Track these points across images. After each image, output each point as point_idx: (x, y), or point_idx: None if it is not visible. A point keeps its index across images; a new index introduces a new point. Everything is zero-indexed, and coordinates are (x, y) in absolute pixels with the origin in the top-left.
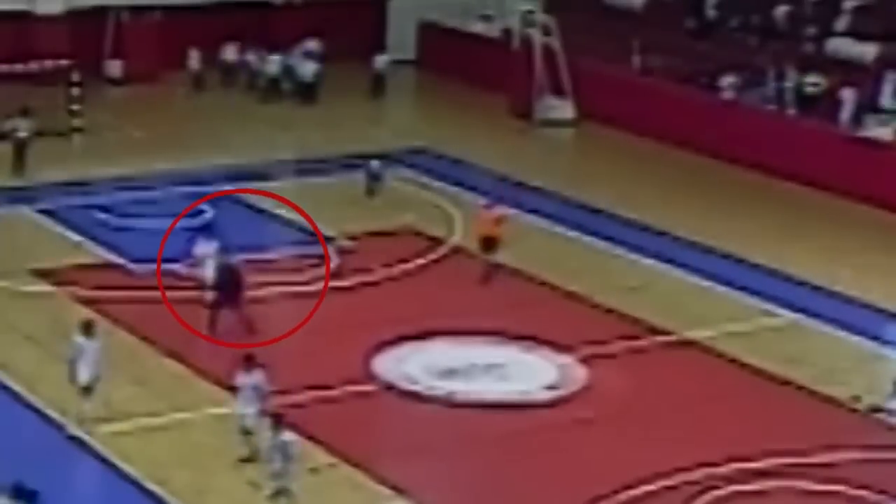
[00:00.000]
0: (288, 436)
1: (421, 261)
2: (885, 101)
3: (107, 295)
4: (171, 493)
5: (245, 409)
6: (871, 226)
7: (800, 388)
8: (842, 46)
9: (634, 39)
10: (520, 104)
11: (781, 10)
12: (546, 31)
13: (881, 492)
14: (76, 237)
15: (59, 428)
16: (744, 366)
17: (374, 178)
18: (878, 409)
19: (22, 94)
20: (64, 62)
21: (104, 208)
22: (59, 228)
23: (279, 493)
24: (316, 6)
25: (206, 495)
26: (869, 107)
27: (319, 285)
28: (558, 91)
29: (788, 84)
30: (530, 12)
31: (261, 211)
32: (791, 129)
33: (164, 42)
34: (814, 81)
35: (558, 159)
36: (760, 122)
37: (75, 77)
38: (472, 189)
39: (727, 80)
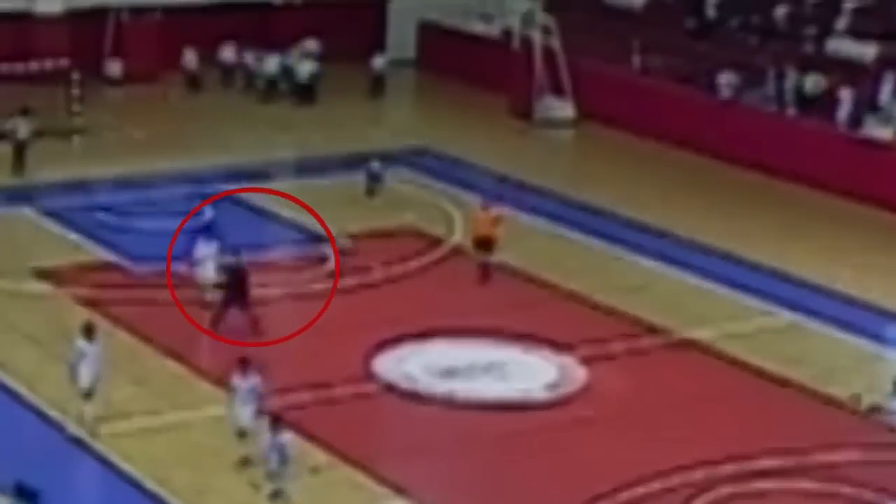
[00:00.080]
0: (286, 437)
1: (421, 261)
2: (884, 101)
3: (107, 295)
4: (171, 493)
5: (240, 411)
6: (871, 226)
7: (800, 388)
8: (842, 46)
9: (634, 39)
10: (520, 104)
11: (781, 10)
12: (546, 31)
13: (881, 492)
14: (76, 237)
15: (59, 428)
16: (744, 366)
17: (374, 178)
18: (878, 409)
19: (22, 94)
20: (64, 62)
21: (104, 208)
22: (59, 228)
23: (274, 494)
24: (316, 6)
25: (206, 495)
26: (868, 106)
27: (320, 285)
28: (558, 91)
29: (788, 84)
30: (530, 12)
31: (261, 211)
32: (791, 129)
33: (164, 42)
34: (814, 81)
35: (558, 159)
36: (760, 122)
37: (75, 77)
38: (472, 189)
39: (724, 79)
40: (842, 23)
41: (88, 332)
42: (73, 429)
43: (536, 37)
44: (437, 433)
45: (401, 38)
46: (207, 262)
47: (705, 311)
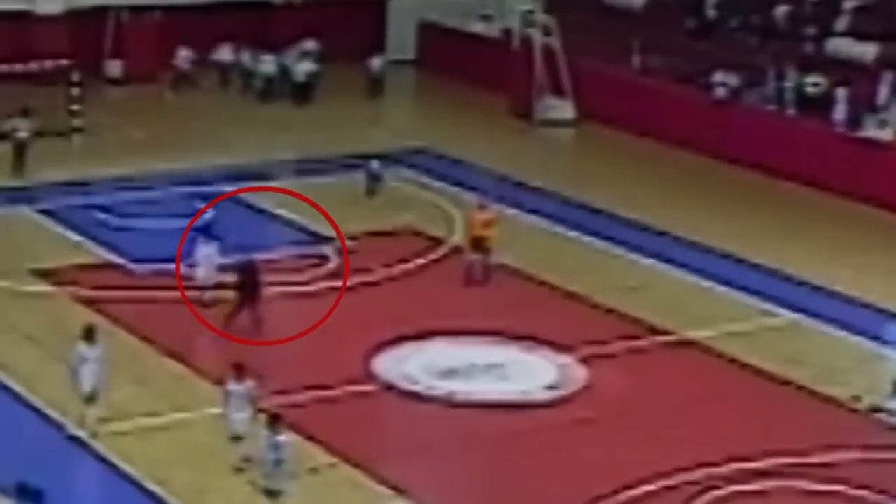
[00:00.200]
0: (283, 437)
1: (421, 261)
2: (882, 101)
3: (107, 295)
4: (171, 493)
5: (236, 416)
6: (871, 226)
7: (800, 388)
8: (842, 46)
9: (634, 39)
10: (520, 104)
11: (781, 10)
12: (546, 31)
13: (881, 492)
14: (76, 237)
15: (59, 428)
16: (744, 366)
17: (374, 178)
18: (878, 409)
19: (22, 94)
20: (64, 62)
21: (104, 208)
22: (59, 228)
23: (271, 493)
24: (316, 6)
25: (206, 495)
26: (866, 107)
27: (320, 285)
28: (558, 91)
29: (788, 84)
30: (530, 12)
31: (261, 211)
32: (791, 129)
33: (164, 42)
34: (814, 81)
35: (558, 159)
36: (760, 122)
37: (75, 77)
38: (472, 189)
39: (719, 78)
40: (842, 23)
41: (89, 335)
42: (73, 429)
43: (536, 37)
44: (437, 433)
45: (401, 38)
46: (207, 263)
47: (705, 311)
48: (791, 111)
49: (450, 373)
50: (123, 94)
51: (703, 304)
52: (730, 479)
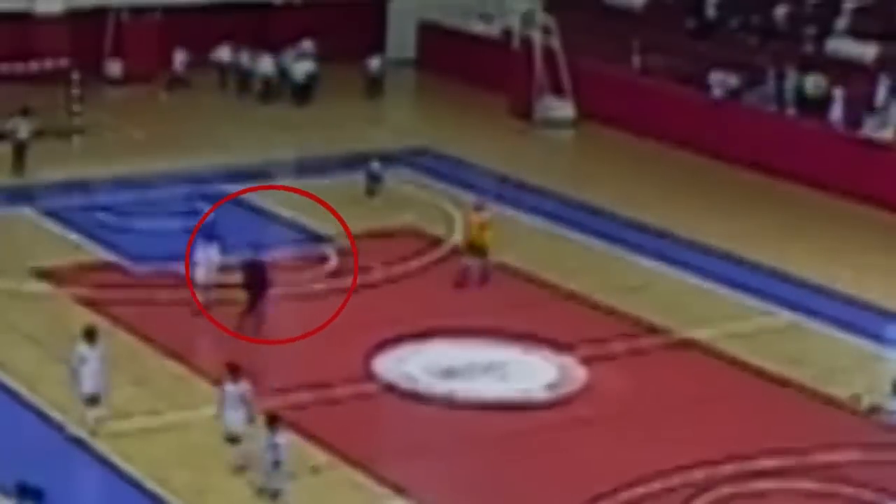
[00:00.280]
0: (281, 437)
1: (421, 261)
2: (880, 102)
3: (107, 295)
4: (171, 493)
5: (231, 416)
6: (871, 226)
7: (800, 388)
8: (842, 46)
9: (634, 39)
10: (520, 104)
11: (781, 10)
12: (546, 31)
13: (881, 492)
14: (76, 237)
15: (59, 428)
16: (744, 366)
17: (374, 178)
18: (878, 409)
19: (22, 94)
20: (64, 62)
21: (104, 208)
22: (59, 228)
23: (270, 494)
24: (316, 7)
25: (206, 495)
26: (864, 107)
27: (320, 285)
28: (558, 91)
29: (788, 84)
30: (530, 12)
31: (261, 211)
32: (791, 129)
33: (164, 42)
34: (814, 81)
35: (558, 159)
36: (760, 122)
37: (75, 77)
38: (472, 189)
39: (716, 78)
40: (842, 23)
41: (90, 336)
42: (74, 429)
43: (536, 37)
44: (437, 433)
45: (401, 38)
46: (207, 264)
47: (705, 311)
48: (791, 111)
49: (450, 373)
50: (123, 94)
51: (703, 304)
52: (730, 479)
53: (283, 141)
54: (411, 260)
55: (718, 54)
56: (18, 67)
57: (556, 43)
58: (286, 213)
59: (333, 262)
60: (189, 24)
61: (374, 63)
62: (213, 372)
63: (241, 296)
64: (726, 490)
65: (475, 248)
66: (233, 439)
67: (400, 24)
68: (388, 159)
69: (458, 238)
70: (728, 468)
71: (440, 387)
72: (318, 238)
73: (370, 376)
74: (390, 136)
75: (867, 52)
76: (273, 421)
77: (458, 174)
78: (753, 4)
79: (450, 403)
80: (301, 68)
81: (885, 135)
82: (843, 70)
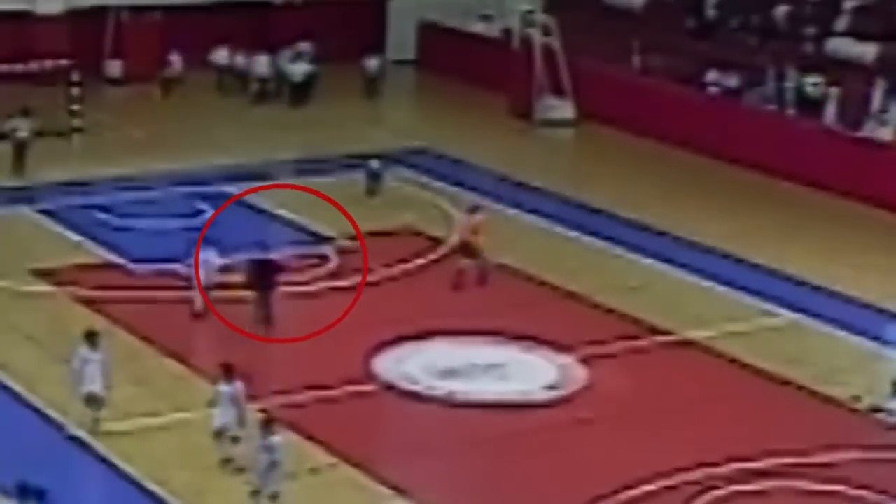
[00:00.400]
0: (277, 438)
1: (421, 261)
2: (876, 106)
3: (107, 295)
4: (171, 493)
5: (224, 416)
6: (871, 226)
7: (800, 388)
8: (842, 46)
9: (634, 39)
10: (520, 104)
11: (781, 10)
12: (546, 31)
13: (881, 492)
14: (76, 237)
15: (59, 428)
16: (744, 366)
17: (374, 177)
18: (878, 409)
19: (22, 94)
20: (64, 62)
21: (104, 208)
22: (59, 228)
23: (260, 494)
24: (316, 6)
25: (206, 495)
26: (861, 107)
27: (320, 285)
28: (558, 91)
29: (788, 84)
30: (530, 12)
31: (261, 211)
32: (791, 129)
33: (164, 42)
34: (814, 81)
35: (558, 159)
36: (760, 122)
37: (75, 77)
38: (473, 189)
39: (712, 77)
40: (842, 23)
41: (91, 338)
42: (74, 429)
43: (536, 37)
44: (437, 433)
45: (401, 38)
46: (206, 266)
47: (705, 311)
48: (791, 111)
49: (450, 373)
50: (123, 94)
51: (703, 304)
52: (730, 479)
53: (283, 141)
54: (411, 260)
55: (718, 54)
56: (18, 67)
57: (556, 43)
58: (286, 213)
59: (333, 262)
60: (189, 24)
61: (372, 63)
62: (213, 372)
63: (240, 296)
64: (726, 490)
65: (469, 251)
66: (219, 434)
67: (400, 24)
68: (388, 159)
69: (455, 239)
70: (728, 468)
71: (440, 387)
72: (318, 238)
73: (370, 376)
74: (390, 137)
75: (867, 52)
76: (268, 423)
77: (458, 174)
78: (753, 4)
79: (450, 403)
80: (299, 69)
81: (885, 135)
82: (843, 70)
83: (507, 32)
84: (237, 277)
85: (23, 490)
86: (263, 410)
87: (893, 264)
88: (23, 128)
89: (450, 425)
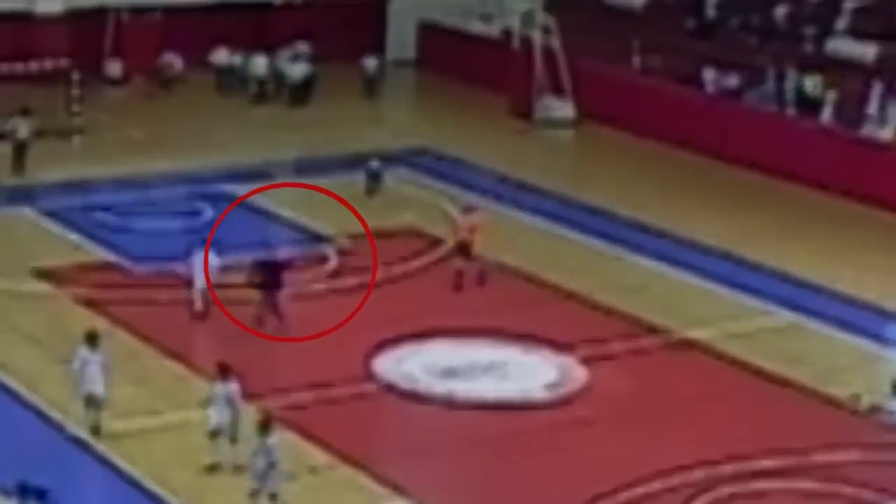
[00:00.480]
0: (273, 440)
1: (421, 261)
2: (873, 110)
3: (107, 295)
4: (171, 493)
5: (218, 416)
6: (871, 226)
7: (800, 388)
8: (842, 46)
9: (634, 39)
10: (520, 104)
11: (781, 10)
12: (546, 31)
13: (881, 491)
14: (76, 237)
15: (60, 428)
16: (744, 366)
17: (374, 177)
18: (878, 409)
19: (22, 94)
20: (64, 62)
21: (104, 208)
22: (59, 228)
23: (258, 495)
24: (316, 7)
25: (206, 495)
26: (862, 107)
27: (320, 285)
28: (558, 91)
29: (788, 84)
30: (530, 12)
31: (260, 211)
32: (791, 129)
33: (165, 42)
34: (814, 81)
35: (558, 159)
36: (760, 122)
37: (75, 77)
38: (473, 189)
39: (709, 75)
40: (842, 23)
41: (91, 340)
42: (74, 429)
43: (536, 37)
44: (437, 433)
45: (401, 38)
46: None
47: (705, 311)
48: (791, 111)
49: (450, 373)
50: (123, 94)
51: (703, 304)
52: (730, 479)
53: (283, 141)
54: (411, 260)
55: (718, 54)
56: (18, 67)
57: (556, 43)
58: (286, 213)
59: (333, 262)
60: (189, 24)
61: (370, 64)
62: (212, 372)
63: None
64: (726, 490)
65: (466, 251)
66: (214, 434)
67: (400, 24)
68: (388, 159)
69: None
70: (728, 468)
71: (440, 387)
72: (318, 238)
73: (370, 376)
74: (390, 136)
75: (867, 52)
76: (265, 424)
77: (458, 174)
78: (753, 4)
79: (450, 403)
80: (297, 70)
81: (885, 135)
82: (843, 70)
83: (507, 32)
84: (238, 277)
85: (23, 490)
86: (263, 410)
87: (893, 264)
88: (23, 128)
89: (450, 425)
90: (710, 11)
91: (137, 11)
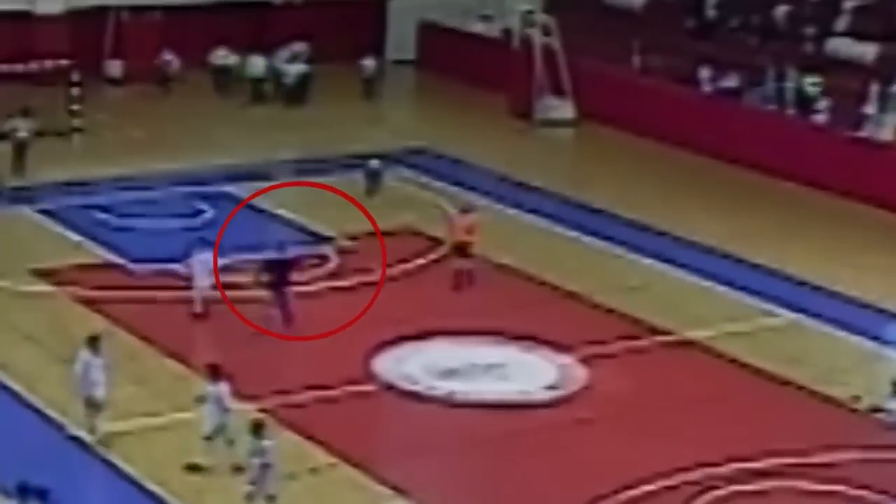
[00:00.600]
0: (268, 442)
1: (421, 261)
2: (870, 112)
3: (107, 295)
4: (171, 493)
5: (209, 417)
6: (871, 226)
7: (800, 388)
8: (842, 46)
9: (634, 39)
10: (520, 104)
11: (781, 10)
12: (546, 31)
13: (881, 492)
14: (76, 237)
15: (60, 428)
16: (744, 366)
17: (374, 178)
18: (878, 409)
19: (22, 94)
20: (64, 62)
21: (104, 208)
22: (59, 228)
23: (255, 497)
24: (316, 7)
25: (205, 495)
26: (862, 107)
27: (320, 285)
28: (558, 91)
29: (788, 84)
30: (530, 12)
31: (260, 211)
32: (791, 129)
33: (165, 42)
34: (814, 81)
35: (558, 159)
36: (760, 122)
37: (75, 77)
38: (472, 189)
39: (705, 73)
40: (842, 23)
41: (93, 343)
42: (74, 429)
43: (536, 37)
44: (437, 433)
45: (401, 38)
46: (203, 269)
47: (705, 311)
48: (791, 111)
49: (450, 373)
50: (123, 94)
51: (703, 304)
52: (730, 479)
53: (283, 141)
54: (411, 260)
55: (718, 54)
56: (18, 67)
57: (556, 43)
58: (286, 213)
59: (333, 262)
60: (189, 24)
61: (368, 64)
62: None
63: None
64: (726, 490)
65: (464, 251)
66: (208, 438)
67: (400, 24)
68: (388, 159)
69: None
70: (728, 468)
71: (440, 387)
72: (318, 238)
73: (370, 376)
74: (390, 137)
75: (867, 52)
76: (258, 427)
77: (458, 174)
78: (753, 4)
79: (450, 403)
80: (294, 70)
81: (885, 135)
82: (843, 70)
83: (507, 32)
84: (241, 277)
85: (24, 490)
86: (262, 411)
87: (893, 264)
88: (23, 128)
89: (450, 425)
90: (710, 11)
91: (137, 11)
